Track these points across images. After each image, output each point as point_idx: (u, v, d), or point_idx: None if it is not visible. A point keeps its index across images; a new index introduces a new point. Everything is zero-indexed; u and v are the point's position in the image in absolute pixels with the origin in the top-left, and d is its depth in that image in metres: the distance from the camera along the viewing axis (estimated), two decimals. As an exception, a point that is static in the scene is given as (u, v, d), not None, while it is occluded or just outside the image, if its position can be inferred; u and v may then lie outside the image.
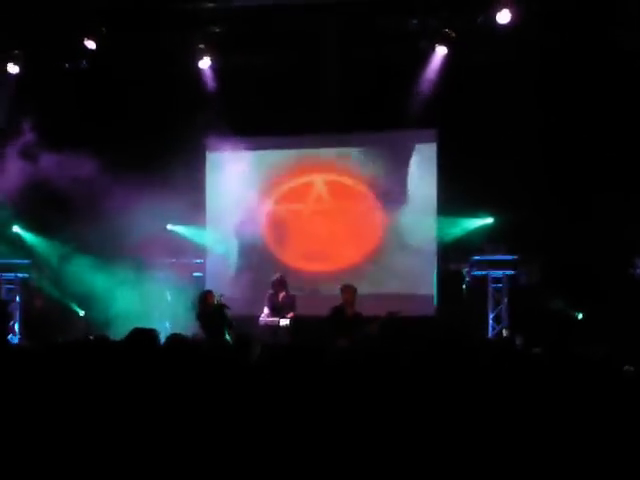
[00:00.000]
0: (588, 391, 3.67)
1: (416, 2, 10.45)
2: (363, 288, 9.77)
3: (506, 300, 10.88)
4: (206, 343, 8.20)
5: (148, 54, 11.10)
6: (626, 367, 5.21)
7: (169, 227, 11.79)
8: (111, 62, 11.26)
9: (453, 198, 10.84)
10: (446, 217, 11.09)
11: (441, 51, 10.71)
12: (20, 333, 11.63)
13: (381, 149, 11.69)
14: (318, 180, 11.82)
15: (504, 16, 9.93)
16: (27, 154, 10.79)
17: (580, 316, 10.51)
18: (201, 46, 11.01)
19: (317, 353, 4.06)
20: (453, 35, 10.49)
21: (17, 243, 11.96)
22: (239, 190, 11.59)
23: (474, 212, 10.90)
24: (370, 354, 4.23)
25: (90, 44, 10.84)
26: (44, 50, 11.03)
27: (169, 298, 11.36)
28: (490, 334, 10.73)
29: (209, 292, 9.99)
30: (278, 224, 11.75)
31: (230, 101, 11.08)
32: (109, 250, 11.07)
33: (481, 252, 10.82)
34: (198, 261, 11.94)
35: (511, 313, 10.80)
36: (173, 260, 11.60)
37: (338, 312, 9.17)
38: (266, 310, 9.85)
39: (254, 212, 11.52)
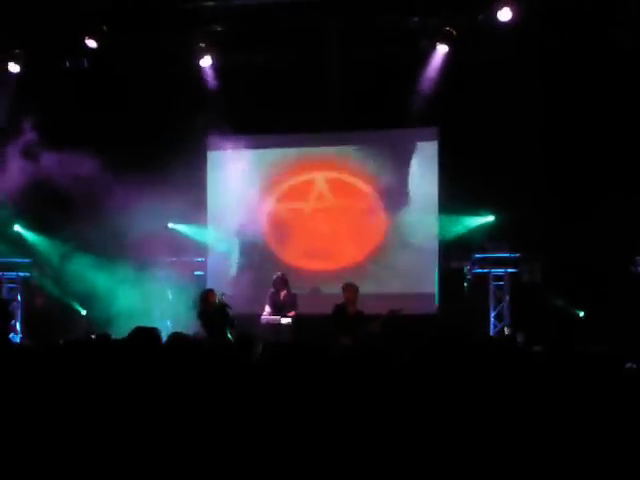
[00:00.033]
0: (590, 389, 3.67)
1: (417, 0, 10.44)
2: (365, 287, 9.76)
3: (508, 298, 10.88)
4: (208, 342, 8.21)
5: (149, 53, 11.10)
6: (628, 364, 5.21)
7: (170, 226, 11.78)
8: (112, 61, 11.26)
9: (454, 196, 10.84)
10: (447, 215, 11.09)
11: (442, 49, 10.70)
12: (22, 332, 11.64)
13: (382, 147, 11.68)
14: (319, 178, 11.82)
15: (505, 14, 9.92)
16: (28, 153, 10.80)
17: (581, 314, 10.51)
18: (202, 45, 11.00)
19: (319, 351, 4.06)
20: (454, 33, 10.48)
21: (18, 242, 11.96)
22: (240, 189, 11.59)
23: (475, 210, 10.89)
24: (372, 352, 4.22)
25: (91, 43, 10.83)
26: (45, 49, 11.03)
27: (170, 297, 11.36)
28: (492, 332, 10.73)
29: (210, 291, 9.99)
30: (279, 223, 11.75)
31: (231, 100, 11.08)
32: (110, 249, 11.07)
33: (483, 250, 10.82)
34: (199, 260, 11.94)
35: (513, 311, 10.80)
36: (174, 259, 11.61)
37: (340, 310, 9.18)
38: (268, 309, 9.86)
39: (255, 211, 11.52)
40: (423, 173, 11.42)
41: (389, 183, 11.52)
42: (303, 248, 11.66)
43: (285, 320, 9.65)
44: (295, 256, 11.63)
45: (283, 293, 9.93)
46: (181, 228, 11.92)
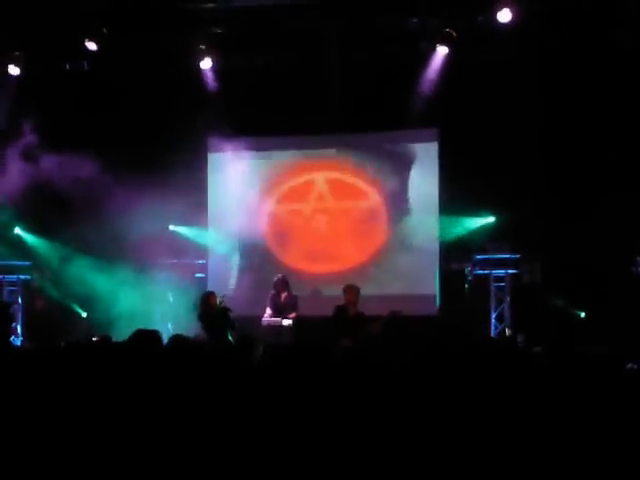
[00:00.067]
0: (590, 389, 3.67)
1: (417, 2, 10.44)
2: (365, 288, 9.75)
3: (508, 299, 10.88)
4: (208, 344, 8.21)
5: (149, 55, 11.10)
6: (628, 365, 5.21)
7: (171, 228, 11.78)
8: (112, 63, 11.25)
9: (455, 197, 10.85)
10: (448, 216, 11.09)
11: (442, 51, 10.70)
12: (22, 335, 11.63)
13: (382, 149, 11.69)
14: (319, 179, 11.83)
15: (505, 15, 9.93)
16: (28, 156, 10.80)
17: (582, 315, 10.51)
18: (202, 47, 11.00)
19: (320, 353, 4.06)
20: (454, 34, 10.49)
21: (18, 245, 11.95)
22: (240, 190, 11.59)
23: (476, 211, 10.89)
24: (373, 354, 4.23)
25: (91, 45, 10.84)
26: (45, 51, 11.03)
27: (171, 299, 11.36)
28: (492, 333, 10.73)
29: (211, 293, 9.98)
30: (280, 224, 11.76)
31: (231, 101, 11.09)
32: (111, 251, 11.07)
33: (483, 251, 10.81)
34: (200, 262, 11.93)
35: (513, 312, 10.80)
36: (175, 261, 11.60)
37: (341, 312, 9.17)
38: (268, 311, 9.86)
39: (256, 213, 11.52)
40: (423, 174, 11.42)
41: (389, 184, 11.54)
42: (304, 250, 11.66)
43: (286, 322, 9.66)
44: (296, 258, 11.63)
45: (284, 295, 9.93)
46: (182, 230, 11.92)
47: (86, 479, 3.45)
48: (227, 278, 11.61)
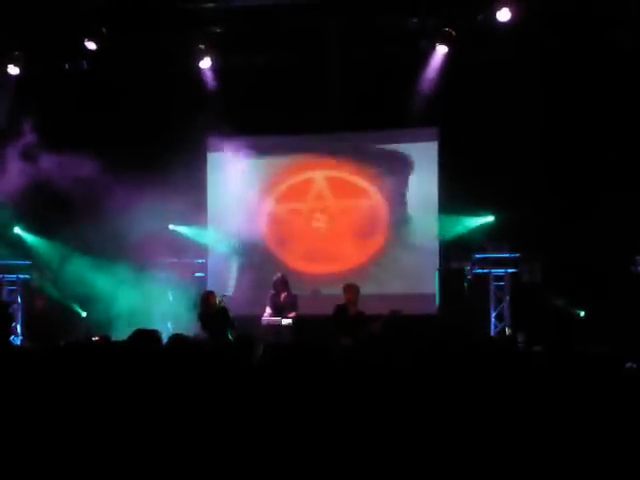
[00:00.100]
0: (590, 389, 3.67)
1: (416, 1, 10.44)
2: (365, 287, 9.76)
3: (508, 298, 10.88)
4: (208, 343, 8.21)
5: (148, 55, 11.10)
6: (628, 364, 5.22)
7: (171, 227, 11.78)
8: (111, 63, 11.25)
9: (454, 196, 10.85)
10: (447, 215, 11.09)
11: (441, 50, 10.70)
12: (22, 334, 11.63)
13: (382, 148, 11.69)
14: (319, 178, 11.83)
15: (504, 14, 9.93)
16: (28, 155, 10.79)
17: (582, 314, 10.51)
18: (201, 46, 11.00)
19: (320, 352, 4.06)
20: (453, 34, 10.49)
21: (18, 244, 11.95)
22: (240, 190, 11.58)
23: (475, 210, 10.89)
24: (373, 353, 4.23)
25: (90, 45, 10.84)
26: (44, 51, 11.02)
27: (171, 298, 11.35)
28: (492, 332, 10.73)
29: (211, 293, 9.99)
30: (279, 224, 11.76)
31: (230, 101, 11.09)
32: (110, 250, 11.07)
33: (483, 250, 10.82)
34: (200, 261, 11.93)
35: (513, 311, 10.80)
36: (175, 260, 11.60)
37: (341, 311, 9.18)
38: (268, 310, 9.86)
39: (255, 212, 11.52)
40: (423, 173, 11.43)
41: (389, 184, 11.54)
42: (303, 250, 11.66)
43: (286, 321, 9.65)
44: (295, 258, 11.63)
45: (283, 295, 9.92)
46: (181, 229, 11.92)
47: (86, 479, 3.45)
48: (227, 278, 11.61)
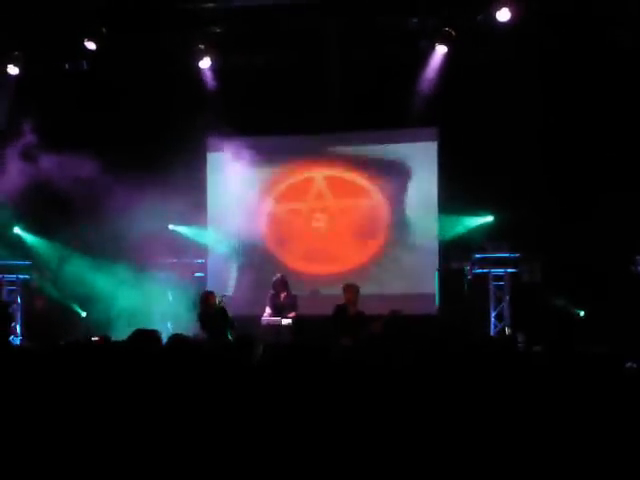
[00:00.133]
0: (590, 389, 3.67)
1: (416, 1, 10.44)
2: (365, 288, 9.76)
3: (508, 298, 10.88)
4: (208, 343, 8.21)
5: (148, 55, 11.10)
6: (628, 364, 5.21)
7: (171, 227, 11.78)
8: (111, 63, 11.25)
9: (454, 196, 10.85)
10: (447, 215, 11.09)
11: (441, 50, 10.71)
12: (21, 334, 11.63)
13: (382, 148, 11.69)
14: (318, 177, 11.83)
15: (504, 14, 9.93)
16: (28, 155, 10.79)
17: (581, 314, 10.51)
18: (201, 46, 11.00)
19: (320, 352, 4.06)
20: (453, 34, 10.49)
21: (18, 244, 11.95)
22: (240, 190, 11.57)
23: (475, 210, 10.89)
24: (373, 353, 4.23)
25: (90, 45, 10.84)
26: (44, 51, 11.02)
27: (171, 298, 11.35)
28: (492, 332, 10.73)
29: (210, 293, 9.99)
30: (279, 224, 11.76)
31: (230, 101, 11.09)
32: (110, 251, 11.07)
33: (482, 250, 10.82)
34: (199, 261, 11.93)
35: (513, 311, 10.80)
36: (174, 260, 11.60)
37: (341, 311, 9.17)
38: (268, 310, 9.85)
39: (255, 212, 11.52)
40: (423, 173, 11.42)
41: (388, 184, 11.54)
42: (303, 250, 11.66)
43: (285, 321, 9.65)
44: (295, 258, 11.63)
45: (283, 295, 9.92)
46: (181, 230, 11.92)
47: (86, 478, 3.45)
48: (226, 278, 11.60)
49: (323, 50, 10.91)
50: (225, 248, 11.70)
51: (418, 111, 10.92)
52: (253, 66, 11.27)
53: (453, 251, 11.16)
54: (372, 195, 11.64)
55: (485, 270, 10.91)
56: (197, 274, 11.86)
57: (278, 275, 10.12)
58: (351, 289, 9.29)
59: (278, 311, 9.80)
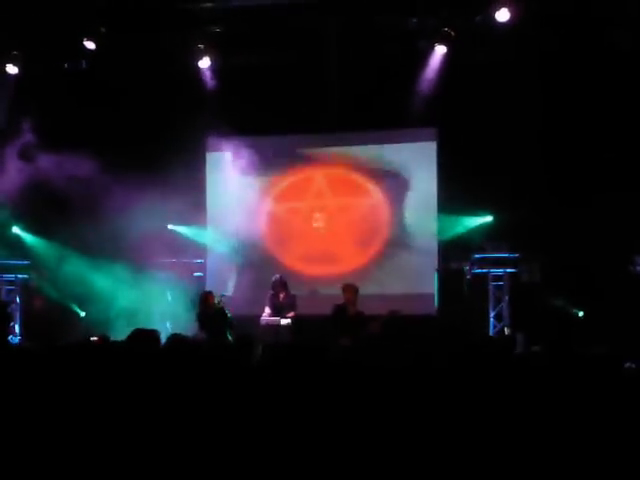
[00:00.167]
0: (589, 389, 3.67)
1: (415, 1, 10.44)
2: (364, 288, 9.76)
3: (507, 298, 10.88)
4: (207, 343, 8.21)
5: (147, 54, 11.10)
6: (627, 365, 5.21)
7: (170, 227, 11.77)
8: (110, 62, 11.25)
9: (453, 196, 10.85)
10: (447, 215, 11.09)
11: (440, 50, 10.71)
12: (20, 334, 11.63)
13: (381, 148, 11.69)
14: (318, 177, 11.83)
15: (503, 15, 9.93)
16: (27, 155, 10.79)
17: (581, 314, 10.51)
18: (200, 46, 11.00)
19: (319, 352, 4.06)
20: (452, 34, 10.49)
21: (17, 244, 11.95)
22: (239, 189, 11.57)
23: (474, 210, 10.89)
24: (372, 353, 4.23)
25: (89, 44, 10.84)
26: (43, 51, 11.02)
27: (170, 298, 11.35)
28: (491, 332, 10.73)
29: (209, 293, 9.99)
30: (278, 224, 11.75)
31: (229, 101, 11.08)
32: (109, 250, 11.06)
33: (482, 250, 10.82)
34: (199, 261, 11.93)
35: (512, 311, 10.80)
36: (173, 260, 11.59)
37: (340, 311, 9.17)
38: (267, 310, 9.85)
39: (254, 212, 11.51)
40: (422, 174, 11.42)
41: (388, 184, 11.54)
42: (302, 250, 11.66)
43: (284, 321, 9.65)
44: (295, 259, 11.63)
45: (282, 295, 9.91)
46: (180, 229, 11.91)
47: (85, 478, 3.44)
48: (226, 277, 11.60)
49: (322, 50, 10.91)
50: (224, 248, 11.69)
51: (417, 111, 10.91)
52: (252, 66, 11.26)
53: (452, 251, 11.16)
54: (371, 195, 11.63)
55: (484, 270, 10.90)
56: (196, 274, 11.86)
57: (277, 275, 10.12)
58: (350, 289, 9.29)
59: (277, 311, 9.80)
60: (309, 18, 10.60)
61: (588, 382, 3.77)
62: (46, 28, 10.47)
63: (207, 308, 9.69)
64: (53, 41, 10.83)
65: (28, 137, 10.75)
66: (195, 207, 11.50)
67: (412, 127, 11.37)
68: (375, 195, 11.61)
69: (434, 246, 11.24)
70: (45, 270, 11.89)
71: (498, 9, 9.92)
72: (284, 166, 11.88)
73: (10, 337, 10.72)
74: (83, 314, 11.70)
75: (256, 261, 11.52)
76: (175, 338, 4.57)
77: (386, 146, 11.70)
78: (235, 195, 11.55)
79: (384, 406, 3.53)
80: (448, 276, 11.11)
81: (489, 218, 10.97)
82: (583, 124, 10.38)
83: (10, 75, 11.25)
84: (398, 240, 11.43)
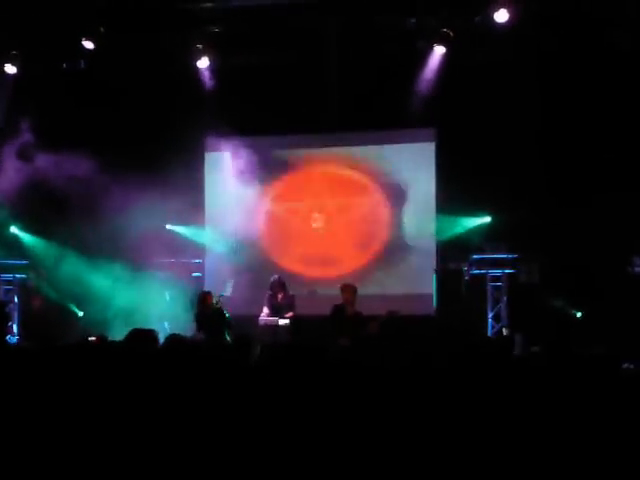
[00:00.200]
0: (587, 390, 3.67)
1: (414, 2, 10.44)
2: (362, 288, 9.75)
3: (505, 299, 10.88)
4: (205, 343, 8.20)
5: (146, 54, 11.09)
6: (625, 365, 5.22)
7: (168, 227, 11.77)
8: (109, 62, 11.24)
9: (452, 197, 10.84)
10: (445, 216, 11.08)
11: (439, 50, 10.71)
12: (19, 334, 11.61)
13: (380, 148, 11.68)
14: (316, 176, 11.82)
15: (502, 15, 9.93)
16: (25, 154, 10.79)
17: (579, 315, 10.51)
18: (199, 46, 11.00)
19: (318, 352, 4.06)
20: (451, 34, 10.49)
21: (15, 244, 11.94)
22: (238, 189, 11.56)
23: (473, 211, 10.88)
24: (371, 353, 4.23)
25: (88, 44, 10.83)
26: (42, 50, 11.02)
27: (168, 298, 11.34)
28: (489, 333, 10.73)
29: (208, 293, 9.98)
30: (277, 224, 11.74)
31: (228, 101, 11.07)
32: (107, 250, 11.05)
33: (480, 251, 10.82)
34: (197, 261, 11.92)
35: (510, 312, 10.80)
36: (172, 260, 11.58)
37: (339, 311, 9.16)
38: (265, 310, 9.84)
39: (253, 212, 11.50)
40: (420, 174, 11.41)
41: (386, 184, 11.54)
42: (301, 250, 11.65)
43: (283, 321, 9.64)
44: (293, 259, 11.62)
45: (280, 296, 9.89)
46: (179, 229, 11.91)
47: (83, 478, 3.44)
48: (224, 277, 11.58)
49: (322, 50, 10.91)
50: (223, 248, 11.68)
51: (416, 112, 10.90)
52: (251, 66, 11.25)
53: (451, 252, 11.15)
54: (370, 195, 11.62)
55: (482, 271, 10.90)
56: (194, 274, 11.86)
57: (275, 276, 10.11)
58: (349, 289, 9.28)
59: (276, 311, 9.79)
60: (309, 18, 10.60)
61: (586, 383, 3.77)
62: (45, 28, 10.47)
63: (205, 308, 9.67)
64: (52, 41, 10.83)
65: (27, 137, 10.74)
66: (194, 207, 11.50)
67: (411, 127, 11.37)
68: (374, 195, 11.60)
69: (433, 246, 11.24)
70: (43, 270, 11.88)
71: (497, 10, 9.92)
72: (283, 166, 11.88)
73: (8, 337, 10.73)
74: (81, 314, 11.69)
75: (255, 261, 11.51)
76: (173, 338, 4.57)
77: (385, 146, 11.70)
78: (234, 195, 11.53)
79: (383, 406, 3.53)
80: (446, 277, 11.11)
81: (488, 219, 10.97)
82: (582, 124, 10.38)
83: (9, 75, 11.24)
84: (397, 240, 11.43)
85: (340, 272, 11.18)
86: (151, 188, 10.02)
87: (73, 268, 11.28)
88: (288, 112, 11.10)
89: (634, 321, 9.40)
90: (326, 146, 11.86)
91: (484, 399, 3.58)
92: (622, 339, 8.32)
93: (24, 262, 11.79)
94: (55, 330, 10.59)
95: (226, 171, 11.73)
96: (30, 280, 11.89)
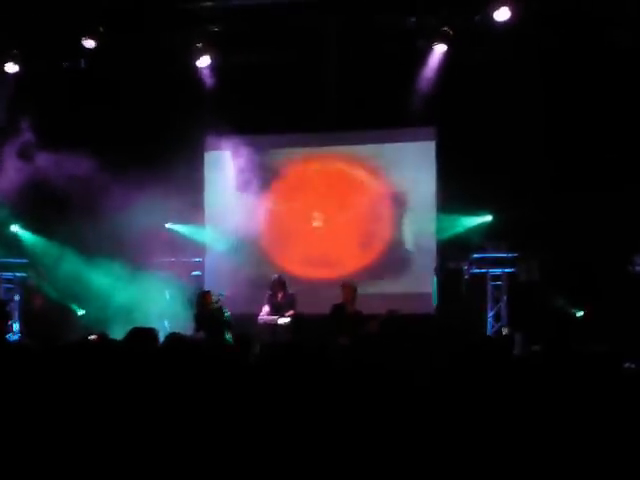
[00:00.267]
0: (588, 388, 3.67)
1: (415, 0, 10.44)
2: (362, 287, 9.75)
3: (505, 298, 10.88)
4: (205, 342, 8.20)
5: (146, 53, 11.09)
6: (626, 364, 5.21)
7: (168, 226, 11.77)
8: (109, 61, 11.24)
9: (452, 196, 10.84)
10: (445, 215, 11.08)
11: (439, 49, 10.71)
12: (19, 332, 11.62)
13: (380, 147, 11.68)
14: (316, 176, 11.82)
15: (502, 14, 9.93)
16: (26, 153, 10.79)
17: (579, 314, 10.51)
18: (199, 45, 10.99)
19: (317, 351, 4.06)
20: (451, 33, 10.49)
21: (15, 242, 11.95)
22: (238, 188, 11.56)
23: (473, 210, 10.89)
24: (371, 352, 4.22)
25: (88, 43, 10.82)
26: (43, 49, 11.02)
27: (168, 297, 11.34)
28: (489, 332, 10.73)
29: (208, 292, 9.97)
30: (277, 223, 11.73)
31: (228, 100, 11.07)
32: (108, 249, 11.05)
33: (481, 250, 10.82)
34: (197, 260, 11.92)
35: (510, 311, 10.80)
36: (172, 259, 11.59)
37: (339, 310, 9.17)
38: (266, 309, 9.83)
39: (253, 210, 11.49)
40: (421, 173, 11.40)
41: (386, 183, 11.54)
42: (301, 249, 11.64)
43: (282, 320, 9.63)
44: (293, 258, 11.61)
45: (280, 295, 9.87)
46: (179, 228, 11.91)
47: (82, 478, 3.44)
48: (224, 276, 11.58)
49: (322, 49, 10.91)
50: (223, 247, 11.68)
51: (416, 110, 10.89)
52: (251, 64, 11.25)
53: (451, 251, 11.15)
54: (370, 194, 11.61)
55: (483, 270, 10.90)
56: (194, 272, 11.86)
57: (276, 275, 10.10)
58: (349, 288, 9.29)
59: (276, 310, 9.78)
60: (309, 17, 10.60)
61: (587, 382, 3.76)
62: (45, 27, 10.47)
63: (205, 307, 9.67)
64: (52, 40, 10.83)
65: (27, 135, 10.74)
66: (194, 206, 11.51)
67: (411, 126, 11.36)
68: (374, 194, 11.59)
69: (433, 245, 11.24)
70: (44, 268, 11.88)
71: (497, 8, 9.91)
72: (283, 165, 11.87)
73: (9, 335, 10.73)
74: (81, 312, 11.69)
75: (255, 260, 11.51)
76: (173, 337, 4.57)
77: (385, 145, 11.70)
78: (234, 194, 11.54)
79: (383, 405, 3.52)
80: (446, 276, 11.11)
81: (488, 217, 10.96)
82: (582, 123, 10.38)
83: (9, 73, 11.24)
84: (397, 239, 11.42)
85: (340, 270, 11.18)
86: (151, 187, 10.02)
87: (73, 267, 11.28)
88: (288, 111, 11.10)
89: (634, 320, 9.39)
90: (326, 145, 11.86)
91: (484, 398, 3.58)
92: (623, 338, 8.32)
93: (24, 261, 11.80)
94: (55, 329, 10.60)
95: (226, 170, 11.73)
96: (30, 279, 11.90)
